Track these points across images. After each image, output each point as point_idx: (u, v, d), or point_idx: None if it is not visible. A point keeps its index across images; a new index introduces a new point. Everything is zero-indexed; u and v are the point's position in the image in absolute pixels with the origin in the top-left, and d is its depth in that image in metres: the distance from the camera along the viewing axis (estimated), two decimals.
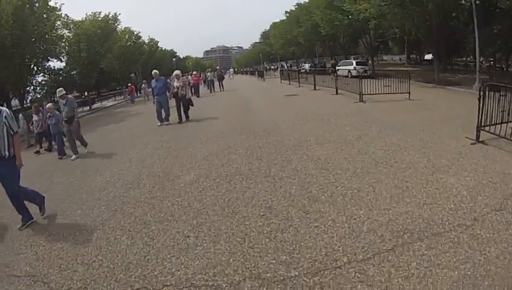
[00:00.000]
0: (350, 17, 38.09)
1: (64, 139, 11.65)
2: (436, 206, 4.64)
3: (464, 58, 58.01)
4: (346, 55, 62.84)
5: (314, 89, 22.66)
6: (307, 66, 56.78)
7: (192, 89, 26.05)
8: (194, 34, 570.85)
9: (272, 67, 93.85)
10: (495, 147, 7.32)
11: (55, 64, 40.30)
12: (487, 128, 7.85)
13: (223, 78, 34.72)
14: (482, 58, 56.13)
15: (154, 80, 15.40)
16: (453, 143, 7.71)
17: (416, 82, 16.98)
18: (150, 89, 21.54)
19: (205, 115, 15.70)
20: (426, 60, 60.89)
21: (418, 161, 6.58)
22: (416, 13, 27.11)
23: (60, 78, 40.80)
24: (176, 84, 14.89)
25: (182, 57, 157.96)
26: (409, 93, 15.97)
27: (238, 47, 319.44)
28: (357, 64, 36.39)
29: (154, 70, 15.78)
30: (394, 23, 35.43)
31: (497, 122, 7.84)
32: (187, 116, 15.21)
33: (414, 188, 5.28)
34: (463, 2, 31.92)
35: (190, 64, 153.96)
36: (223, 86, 31.96)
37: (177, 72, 15.51)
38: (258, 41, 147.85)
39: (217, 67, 33.76)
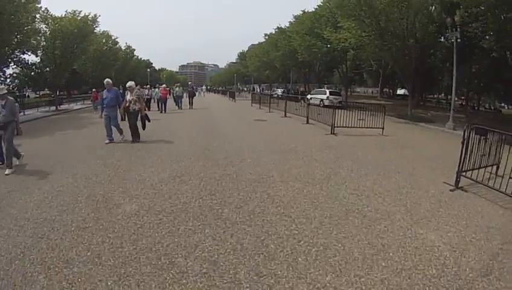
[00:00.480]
0: (329, 45, 37.47)
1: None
2: (417, 272, 3.99)
3: (436, 95, 59.42)
4: (320, 83, 63.00)
5: (285, 116, 21.98)
6: (279, 91, 56.57)
7: (159, 104, 25.51)
8: (171, 44, 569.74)
9: (245, 89, 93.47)
10: (475, 194, 6.99)
11: (29, 57, 40.14)
12: (467, 173, 7.45)
13: (194, 94, 32.68)
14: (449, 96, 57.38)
15: (105, 90, 13.20)
16: (431, 189, 7.21)
17: (389, 116, 16.70)
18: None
19: (165, 134, 14.46)
20: (399, 94, 63.53)
21: (394, 211, 5.90)
22: (396, 46, 27.13)
23: (32, 73, 41.19)
24: (128, 97, 12.93)
25: (157, 69, 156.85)
26: (383, 128, 15.63)
27: (214, 65, 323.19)
28: (330, 94, 36.11)
29: (106, 79, 13.43)
30: (372, 55, 35.82)
31: (476, 166, 7.54)
32: (137, 136, 12.96)
33: (391, 247, 4.56)
34: (442, 40, 33.08)
35: (164, 77, 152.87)
36: (192, 104, 29.70)
37: (130, 83, 13.33)
38: (234, 61, 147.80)
39: (189, 83, 31.59)
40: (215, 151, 10.59)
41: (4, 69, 39.10)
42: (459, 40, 22.86)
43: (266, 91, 65.97)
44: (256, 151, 10.63)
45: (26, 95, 55.54)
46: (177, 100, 28.70)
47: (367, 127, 15.69)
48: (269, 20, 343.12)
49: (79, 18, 40.59)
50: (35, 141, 13.18)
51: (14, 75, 42.04)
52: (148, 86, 28.93)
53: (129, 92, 13.03)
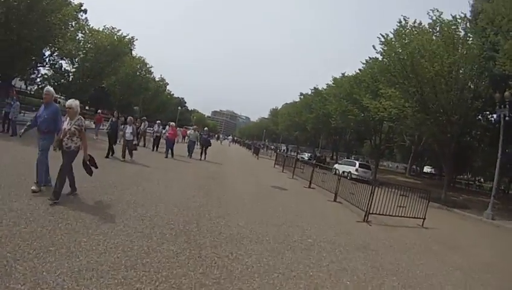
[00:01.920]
0: (366, 113, 34.52)
1: None
2: None
3: (466, 176, 56.02)
4: (349, 153, 60.40)
5: (309, 186, 18.37)
6: (306, 155, 54.29)
7: (167, 146, 21.70)
8: (208, 88, 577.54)
9: (272, 146, 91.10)
10: None
11: (66, 65, 40.13)
12: None
13: (209, 144, 25.46)
14: (479, 178, 54.23)
15: (42, 105, 8.07)
16: None
17: (420, 198, 13.76)
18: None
19: (135, 194, 9.28)
20: (425, 172, 61.51)
21: None
22: (438, 121, 25.31)
23: (62, 80, 39.87)
24: (65, 125, 7.48)
25: (189, 109, 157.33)
26: (424, 219, 13.16)
27: (246, 117, 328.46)
28: (359, 167, 33.71)
29: (46, 87, 8.31)
30: (410, 129, 33.40)
31: None
32: (73, 188, 8.00)
33: None
34: (480, 118, 31.08)
35: (194, 118, 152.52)
36: (205, 154, 24.05)
37: (69, 102, 7.58)
38: (266, 117, 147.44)
39: (205, 129, 27.89)
40: (206, 235, 6.93)
41: (39, 68, 40.76)
42: (507, 117, 21.04)
43: (292, 153, 63.36)
44: (260, 243, 7.12)
45: (57, 101, 55.26)
46: (189, 146, 24.05)
47: (405, 217, 12.69)
48: (303, 79, 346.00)
49: (115, 36, 41.24)
50: None
51: (45, 76, 41.10)
52: (159, 121, 25.53)
53: (67, 118, 7.57)
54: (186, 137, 33.42)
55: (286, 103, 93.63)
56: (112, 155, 15.63)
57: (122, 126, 17.13)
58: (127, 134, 15.95)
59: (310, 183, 18.46)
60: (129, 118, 16.89)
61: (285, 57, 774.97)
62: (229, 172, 18.97)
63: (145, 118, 27.90)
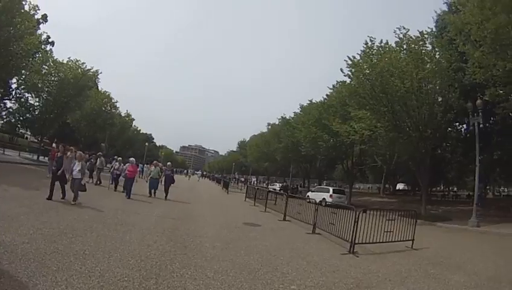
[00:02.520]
0: (337, 138, 33.68)
1: None
2: None
3: (440, 188, 56.08)
4: (320, 179, 59.69)
5: (284, 219, 16.95)
6: (277, 186, 53.35)
7: (125, 184, 19.90)
8: (174, 122, 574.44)
9: (242, 179, 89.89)
10: None
11: (31, 98, 39.09)
12: None
13: (172, 180, 22.36)
14: (453, 188, 54.26)
15: None
16: None
17: (403, 217, 12.82)
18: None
19: (97, 243, 8.04)
20: (398, 190, 61.42)
21: None
22: (412, 138, 25.39)
23: (27, 114, 39.38)
24: None
25: (157, 145, 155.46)
26: (413, 240, 12.36)
27: (215, 151, 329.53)
28: (334, 192, 33.23)
29: None
30: (383, 149, 33.26)
31: None
32: None
33: None
34: (450, 129, 31.43)
35: (163, 154, 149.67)
36: (167, 193, 20.93)
37: None
38: (234, 150, 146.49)
39: (168, 163, 24.33)
40: None
41: (5, 101, 40.79)
42: (481, 125, 22.03)
43: (263, 184, 62.26)
44: None
45: (25, 136, 54.84)
46: (150, 185, 20.75)
47: (392, 241, 11.71)
48: (273, 111, 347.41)
49: (79, 69, 39.92)
50: None
51: (11, 110, 41.08)
52: (119, 158, 23.67)
53: None
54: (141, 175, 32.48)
55: (254, 135, 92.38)
56: (62, 198, 13.50)
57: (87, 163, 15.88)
58: (74, 172, 13.67)
59: (285, 215, 17.08)
60: (78, 153, 14.65)
61: (254, 92, 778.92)
62: (196, 211, 17.06)
63: (100, 153, 26.07)
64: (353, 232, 10.56)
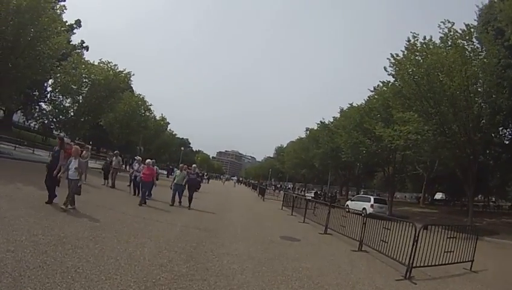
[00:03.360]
0: (378, 143, 31.84)
1: None
2: None
3: (480, 198, 53.12)
4: (359, 188, 57.57)
5: (325, 232, 15.06)
6: (312, 193, 51.70)
7: (138, 188, 18.26)
8: (212, 128, 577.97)
9: (278, 185, 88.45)
10: None
11: (65, 101, 38.32)
12: None
13: (197, 185, 20.79)
14: (492, 198, 50.88)
15: None
16: None
17: (443, 229, 10.50)
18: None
19: (96, 259, 6.51)
20: (436, 199, 58.66)
21: None
22: (459, 142, 23.76)
23: (61, 116, 38.22)
24: None
25: (194, 150, 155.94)
26: (472, 261, 10.70)
27: (252, 157, 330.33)
28: (375, 202, 31.09)
29: None
30: (425, 156, 31.85)
31: None
32: None
33: None
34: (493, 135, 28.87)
35: (199, 159, 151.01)
36: (190, 200, 17.72)
37: None
38: (271, 156, 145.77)
39: (193, 166, 20.71)
40: None
41: (41, 103, 43.21)
42: None
43: (299, 191, 60.53)
44: None
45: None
46: (175, 191, 17.53)
47: (450, 263, 9.95)
48: (310, 120, 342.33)
49: (111, 70, 39.20)
50: None
51: (44, 112, 41.41)
52: (139, 158, 21.00)
53: None
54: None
55: (292, 141, 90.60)
56: (49, 200, 11.03)
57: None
58: (70, 171, 10.85)
59: (326, 228, 15.18)
60: (74, 147, 11.64)
61: (289, 101, 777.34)
62: (227, 221, 15.15)
63: (117, 152, 23.50)
64: (411, 253, 8.79)
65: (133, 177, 19.35)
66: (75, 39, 54.09)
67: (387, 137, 27.74)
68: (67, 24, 49.72)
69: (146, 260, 7.01)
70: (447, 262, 9.74)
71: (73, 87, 36.00)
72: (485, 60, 22.39)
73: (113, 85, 38.67)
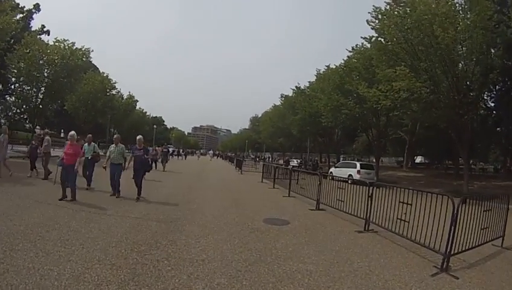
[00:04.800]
0: (362, 105, 29.66)
1: None
2: None
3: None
4: (338, 154, 55.73)
5: (317, 208, 12.47)
6: (295, 162, 49.79)
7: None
8: (185, 103, 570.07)
9: (251, 156, 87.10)
10: None
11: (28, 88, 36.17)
12: None
13: (146, 166, 13.63)
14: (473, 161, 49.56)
15: None
16: None
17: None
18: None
19: None
20: (418, 163, 60.16)
21: None
22: (453, 102, 21.95)
23: (24, 105, 37.09)
24: None
25: (168, 127, 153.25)
26: (503, 237, 8.69)
27: (227, 130, 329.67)
28: (361, 167, 29.94)
29: None
30: (408, 118, 31.54)
31: None
32: None
33: None
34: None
35: (173, 136, 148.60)
36: (139, 189, 12.12)
37: None
38: (247, 127, 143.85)
39: (138, 137, 12.74)
40: None
41: (6, 96, 41.89)
42: None
43: (279, 161, 58.43)
44: None
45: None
46: (111, 174, 12.33)
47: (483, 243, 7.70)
48: (287, 86, 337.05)
49: (67, 48, 36.52)
50: None
51: (7, 104, 41.16)
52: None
53: None
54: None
55: (266, 111, 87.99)
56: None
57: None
58: None
59: (318, 203, 12.58)
60: None
61: (263, 67, 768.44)
62: (195, 206, 11.67)
63: (47, 130, 18.84)
64: (450, 238, 6.39)
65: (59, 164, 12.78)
66: (36, 24, 52.26)
67: (372, 97, 25.56)
68: (25, 9, 48.50)
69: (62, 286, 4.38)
70: (482, 242, 7.55)
71: (36, 74, 33.80)
72: (476, 14, 20.30)
73: (71, 64, 35.89)
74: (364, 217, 9.44)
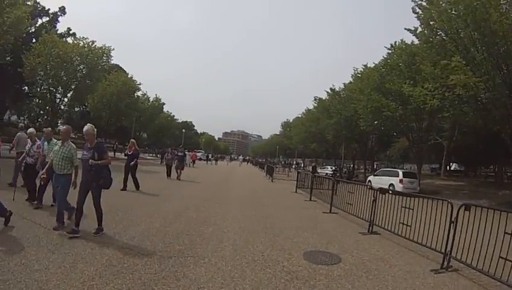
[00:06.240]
0: (406, 107, 27.14)
1: None
2: None
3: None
4: (373, 161, 53.29)
5: (370, 231, 9.74)
6: (329, 169, 48.33)
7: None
8: (216, 113, 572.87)
9: (281, 162, 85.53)
10: None
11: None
12: None
13: (103, 181, 7.34)
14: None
15: None
16: None
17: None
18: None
19: None
20: (454, 170, 57.45)
21: None
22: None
23: (46, 106, 36.87)
24: None
25: (198, 132, 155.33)
26: None
27: (258, 135, 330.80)
28: (404, 176, 26.75)
29: None
30: (463, 119, 26.95)
31: None
32: None
33: None
34: None
35: (203, 141, 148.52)
36: (99, 216, 7.19)
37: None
38: (277, 133, 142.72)
39: (86, 128, 7.26)
40: None
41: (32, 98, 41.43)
42: None
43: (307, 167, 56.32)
44: None
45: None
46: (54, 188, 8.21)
47: None
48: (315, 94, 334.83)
49: (85, 46, 35.72)
50: None
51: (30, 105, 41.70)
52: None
53: None
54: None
55: (297, 117, 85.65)
56: None
57: None
58: None
59: (371, 225, 9.79)
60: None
61: (294, 71, 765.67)
62: (210, 231, 8.54)
63: (22, 125, 14.42)
64: None
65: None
66: (61, 27, 52.08)
67: (418, 97, 23.24)
68: (50, 12, 49.39)
69: None
70: None
71: (51, 73, 32.75)
72: None
73: (90, 62, 34.84)
74: (444, 251, 6.81)
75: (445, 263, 6.77)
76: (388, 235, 9.06)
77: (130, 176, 14.87)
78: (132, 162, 15.10)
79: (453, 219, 6.78)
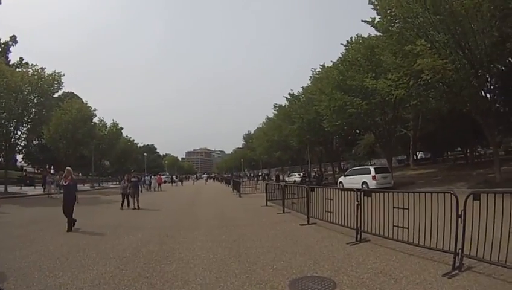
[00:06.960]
0: (370, 101, 26.42)
1: None
2: None
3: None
4: (339, 162, 53.84)
5: (358, 239, 8.39)
6: (296, 176, 49.31)
7: None
8: (177, 133, 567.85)
9: (247, 175, 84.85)
10: None
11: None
12: None
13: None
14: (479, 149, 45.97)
15: None
16: None
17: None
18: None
19: None
20: (421, 159, 58.11)
21: None
22: (480, 78, 19.96)
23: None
24: None
25: (161, 154, 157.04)
26: None
27: (221, 151, 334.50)
28: (376, 172, 25.91)
29: None
30: (429, 106, 25.91)
31: None
32: None
33: None
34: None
35: (166, 163, 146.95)
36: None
37: None
38: (240, 146, 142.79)
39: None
40: None
41: None
42: None
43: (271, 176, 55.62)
44: None
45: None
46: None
47: None
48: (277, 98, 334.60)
49: (35, 74, 33.89)
50: None
51: None
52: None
53: None
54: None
55: (259, 128, 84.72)
56: None
57: None
58: None
59: (359, 233, 8.46)
60: None
61: (250, 82, 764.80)
62: (182, 257, 7.80)
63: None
64: None
65: None
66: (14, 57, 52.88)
67: (382, 89, 22.93)
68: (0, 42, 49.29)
69: None
70: None
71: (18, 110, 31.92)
72: None
73: (41, 90, 33.38)
74: (454, 250, 5.77)
75: (457, 262, 5.78)
76: (380, 240, 7.83)
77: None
78: (70, 196, 11.69)
79: (459, 212, 5.73)
